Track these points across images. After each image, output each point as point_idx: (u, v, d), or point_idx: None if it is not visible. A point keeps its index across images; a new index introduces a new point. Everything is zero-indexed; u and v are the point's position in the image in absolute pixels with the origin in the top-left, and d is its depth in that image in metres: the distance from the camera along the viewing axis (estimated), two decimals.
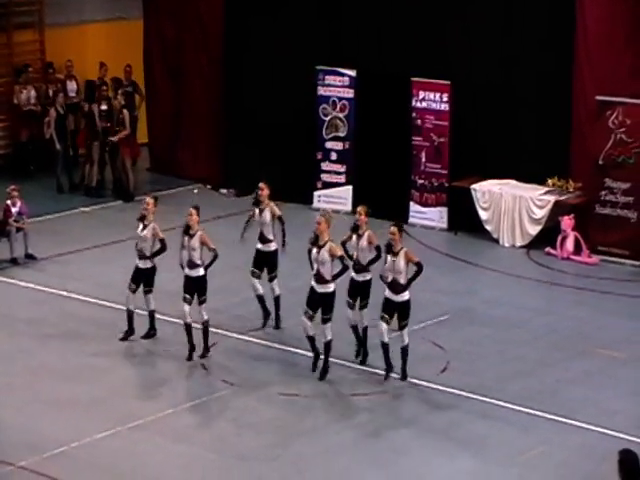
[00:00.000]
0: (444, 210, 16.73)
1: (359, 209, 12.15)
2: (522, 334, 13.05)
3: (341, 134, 17.53)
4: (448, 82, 16.48)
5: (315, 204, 17.58)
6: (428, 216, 16.85)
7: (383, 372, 11.81)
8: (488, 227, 16.30)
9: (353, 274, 11.97)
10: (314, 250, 11.56)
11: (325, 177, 17.68)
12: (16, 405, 11.23)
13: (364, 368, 12.06)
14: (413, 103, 16.76)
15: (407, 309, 11.53)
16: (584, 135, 15.65)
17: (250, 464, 10.19)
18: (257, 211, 12.75)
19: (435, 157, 16.74)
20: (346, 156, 17.54)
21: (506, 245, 16.12)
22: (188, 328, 12.11)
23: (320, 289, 11.56)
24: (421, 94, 16.70)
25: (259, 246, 12.84)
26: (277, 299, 12.86)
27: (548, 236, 15.76)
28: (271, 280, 12.81)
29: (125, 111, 17.82)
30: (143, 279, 12.49)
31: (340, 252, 11.59)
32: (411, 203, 16.96)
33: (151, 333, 12.65)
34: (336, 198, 17.56)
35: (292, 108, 17.66)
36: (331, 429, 10.85)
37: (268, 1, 17.97)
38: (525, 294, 14.46)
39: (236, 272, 14.17)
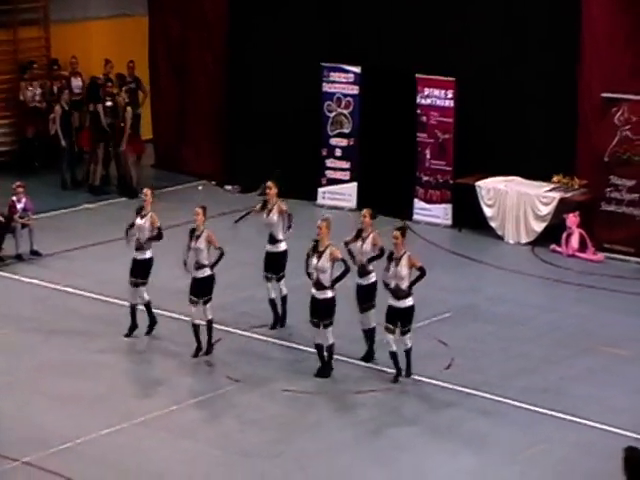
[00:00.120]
0: (449, 207, 16.71)
1: (364, 212, 12.06)
2: (526, 331, 13.04)
3: (346, 131, 17.52)
4: (453, 79, 16.46)
5: (320, 201, 17.58)
6: (433, 213, 16.84)
7: (388, 370, 11.79)
8: (493, 224, 16.28)
9: (358, 279, 11.94)
10: (314, 257, 11.53)
11: (330, 174, 17.67)
12: (21, 401, 11.25)
13: (368, 365, 12.06)
14: (418, 100, 16.75)
15: (410, 315, 11.48)
16: (589, 132, 15.63)
17: (254, 460, 10.21)
18: (264, 214, 12.71)
19: (440, 154, 16.73)
20: (351, 153, 17.53)
21: (511, 242, 16.11)
22: (196, 329, 12.11)
23: (320, 295, 11.53)
24: (426, 90, 16.69)
25: (268, 247, 12.80)
26: (284, 299, 12.83)
27: (553, 233, 15.74)
28: (279, 280, 12.78)
29: (128, 108, 17.83)
30: (140, 271, 12.45)
31: (341, 255, 11.56)
32: (415, 200, 16.95)
33: (152, 325, 12.62)
34: (341, 195, 17.56)
35: (297, 105, 17.65)
36: (334, 426, 10.86)
37: None
38: (530, 291, 14.44)
39: (241, 269, 14.19)
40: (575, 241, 15.57)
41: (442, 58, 16.53)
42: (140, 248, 12.51)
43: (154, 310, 12.92)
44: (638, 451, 7.12)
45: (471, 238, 16.24)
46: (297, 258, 12.60)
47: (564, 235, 15.63)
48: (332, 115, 17.56)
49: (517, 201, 16.06)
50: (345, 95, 17.43)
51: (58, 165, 18.26)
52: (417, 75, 16.67)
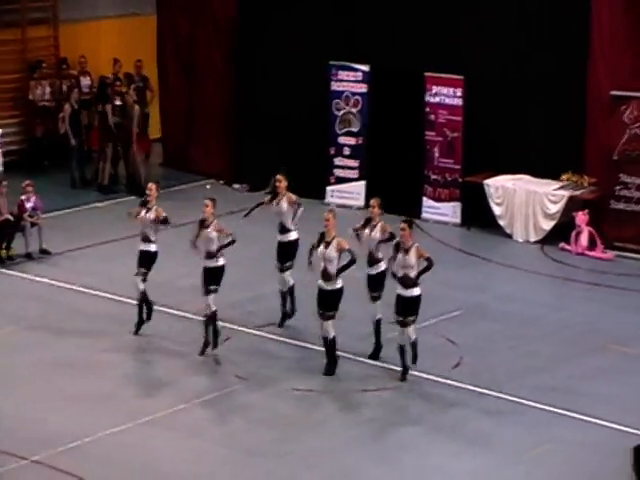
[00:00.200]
0: (457, 205, 16.69)
1: (372, 202, 12.19)
2: (535, 330, 13.01)
3: (354, 129, 17.51)
4: (461, 77, 16.43)
5: (328, 199, 17.57)
6: (441, 211, 16.81)
7: (395, 368, 11.79)
8: (501, 222, 16.25)
9: (367, 269, 11.96)
10: (321, 247, 11.56)
11: (338, 172, 17.66)
12: (29, 399, 11.28)
13: (375, 363, 12.05)
14: (426, 98, 16.72)
15: (416, 304, 11.48)
16: (598, 130, 15.58)
17: (260, 459, 10.22)
18: (274, 203, 12.72)
19: (448, 152, 16.70)
20: (359, 151, 17.52)
21: (520, 240, 16.07)
22: (207, 323, 12.09)
23: (327, 287, 11.54)
24: (434, 89, 16.66)
25: (279, 237, 12.81)
26: (291, 289, 12.82)
27: (562, 231, 15.70)
28: (286, 270, 12.77)
29: (136, 107, 17.85)
30: (144, 262, 12.45)
31: (348, 245, 11.58)
32: (424, 198, 16.93)
33: (148, 313, 12.59)
34: (349, 193, 17.54)
35: (305, 103, 17.65)
36: (341, 425, 10.86)
37: None
38: (539, 290, 14.41)
39: (249, 267, 14.20)
40: (584, 239, 15.52)
41: (451, 57, 16.49)
42: (146, 240, 12.50)
43: (163, 308, 12.91)
44: None
45: (480, 236, 16.21)
46: (305, 254, 12.55)
47: (573, 233, 15.58)
48: (340, 114, 17.55)
49: (526, 199, 16.03)
50: (353, 94, 17.41)
51: (67, 164, 18.29)
52: (426, 73, 16.64)
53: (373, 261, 11.96)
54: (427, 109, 16.75)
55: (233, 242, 12.00)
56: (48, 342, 12.59)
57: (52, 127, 18.61)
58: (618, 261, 15.24)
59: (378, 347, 12.11)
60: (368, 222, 12.05)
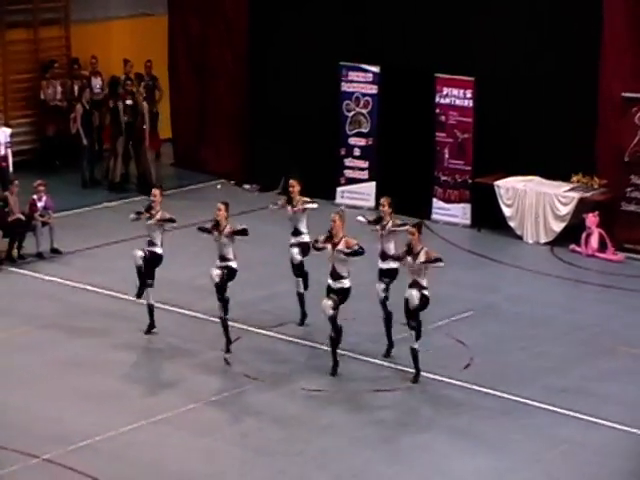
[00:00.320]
0: (467, 207, 16.69)
1: (382, 200, 12.25)
2: (545, 331, 13.00)
3: (364, 130, 17.52)
4: (472, 78, 16.44)
5: (338, 200, 17.58)
6: (451, 212, 16.82)
7: (407, 370, 11.79)
8: (512, 224, 16.24)
9: (379, 263, 11.99)
10: (329, 248, 11.59)
11: (348, 173, 17.68)
12: (41, 398, 11.32)
13: (386, 364, 12.07)
14: (437, 99, 16.73)
15: (423, 305, 11.44)
16: (609, 132, 15.57)
17: (270, 459, 10.23)
18: (289, 209, 12.74)
19: (458, 153, 16.71)
20: (369, 152, 17.54)
21: (530, 242, 16.06)
22: (225, 324, 12.13)
23: (336, 285, 11.57)
24: (445, 90, 16.67)
25: (292, 241, 12.84)
26: (302, 294, 12.86)
27: (573, 233, 15.69)
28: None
29: (145, 104, 17.90)
30: (151, 263, 12.50)
31: (355, 243, 11.58)
32: (434, 199, 16.94)
33: (150, 328, 12.65)
34: (359, 194, 17.56)
35: (315, 104, 17.67)
36: (353, 425, 10.87)
37: None
38: (549, 291, 14.40)
39: (260, 267, 14.22)
40: (595, 241, 15.51)
41: (461, 58, 16.50)
42: (151, 244, 12.55)
43: (174, 308, 12.94)
44: None
45: (490, 238, 16.21)
46: (316, 254, 12.57)
47: (584, 235, 15.57)
48: (351, 114, 17.56)
49: (536, 201, 16.02)
50: (364, 94, 17.43)
51: (78, 164, 18.35)
52: (436, 75, 16.66)
53: (385, 257, 11.98)
54: (437, 110, 16.76)
55: (246, 232, 11.98)
56: (59, 341, 12.63)
57: (63, 127, 18.67)
58: (628, 263, 15.22)
59: (389, 344, 12.10)
60: (379, 220, 12.10)
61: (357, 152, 17.61)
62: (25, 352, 12.34)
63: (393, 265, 11.97)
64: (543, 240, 16.02)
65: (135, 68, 18.77)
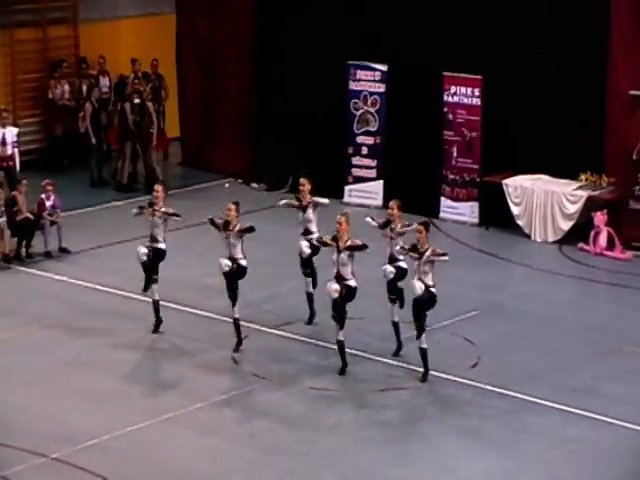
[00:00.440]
0: (475, 205, 16.66)
1: (391, 203, 12.17)
2: (554, 330, 12.97)
3: (372, 129, 17.51)
4: (480, 76, 16.41)
5: (346, 199, 17.57)
6: (459, 211, 16.79)
7: (415, 368, 11.78)
8: (520, 222, 16.21)
9: (387, 266, 11.98)
10: (334, 252, 11.57)
11: (356, 172, 17.67)
12: (49, 397, 11.35)
13: (394, 363, 12.06)
14: (444, 98, 16.70)
15: (430, 304, 11.41)
16: (618, 130, 15.52)
17: (278, 458, 10.23)
18: (300, 211, 12.72)
19: (466, 152, 16.68)
20: (377, 151, 17.52)
21: (538, 240, 16.03)
22: (237, 323, 12.13)
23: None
24: (452, 88, 16.64)
25: (302, 241, 12.79)
26: (311, 294, 12.84)
27: (581, 231, 15.65)
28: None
29: (149, 104, 17.91)
30: (155, 259, 12.50)
31: (359, 241, 11.54)
32: (442, 198, 16.91)
33: (157, 326, 12.65)
34: (367, 193, 17.54)
35: (323, 103, 17.66)
36: (360, 424, 10.86)
37: None
38: (557, 290, 14.37)
39: (267, 266, 14.21)
40: (603, 239, 15.47)
41: (469, 56, 16.47)
42: (154, 240, 12.55)
43: (180, 307, 12.94)
44: None
45: (498, 236, 16.18)
46: (325, 255, 12.60)
47: (592, 233, 15.53)
48: (359, 113, 17.55)
49: (544, 199, 15.99)
50: (372, 93, 17.42)
51: (87, 163, 18.38)
52: (444, 73, 16.63)
53: (393, 261, 11.95)
54: (445, 109, 16.73)
55: (252, 229, 12.00)
56: (67, 340, 12.65)
57: (72, 126, 18.70)
58: (637, 261, 15.17)
59: (399, 344, 12.10)
60: (387, 224, 12.04)
61: (365, 151, 17.60)
62: (32, 351, 12.37)
63: (402, 265, 11.93)
64: (551, 239, 15.98)
65: (143, 67, 18.79)
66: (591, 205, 15.69)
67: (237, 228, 12.03)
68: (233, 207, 12.12)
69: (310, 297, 12.86)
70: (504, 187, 16.27)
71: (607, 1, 15.50)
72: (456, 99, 16.65)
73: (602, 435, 10.63)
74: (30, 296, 13.95)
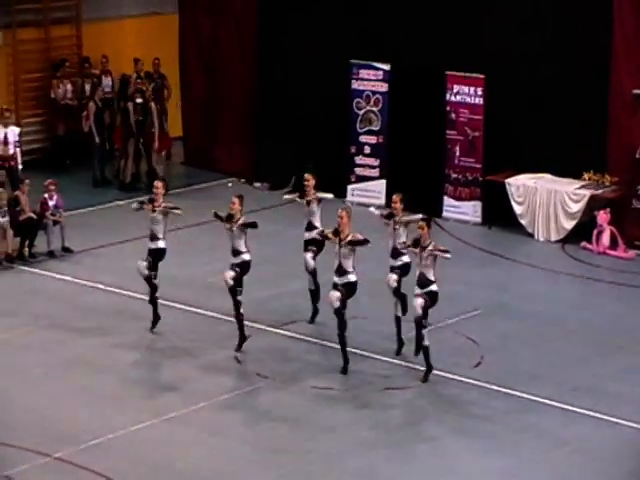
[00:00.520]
0: (478, 204, 16.66)
1: (394, 197, 12.24)
2: (557, 329, 12.97)
3: (375, 128, 17.51)
4: (482, 76, 16.40)
5: (349, 198, 17.57)
6: (462, 210, 16.79)
7: (418, 367, 11.78)
8: (523, 221, 16.21)
9: (391, 260, 11.99)
10: (336, 245, 11.61)
11: (359, 171, 17.67)
12: (52, 396, 11.35)
13: (396, 362, 12.06)
14: (447, 97, 16.70)
15: (432, 300, 11.38)
16: (621, 129, 15.52)
17: (283, 457, 10.24)
18: (304, 204, 12.73)
19: (469, 151, 16.68)
20: (380, 150, 17.52)
21: (541, 239, 16.03)
22: (240, 318, 12.12)
23: (342, 280, 11.56)
24: (455, 88, 16.64)
25: (306, 235, 12.81)
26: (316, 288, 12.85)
27: (584, 230, 15.65)
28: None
29: (152, 104, 17.92)
30: (155, 258, 12.52)
31: (360, 236, 11.56)
32: (445, 197, 16.91)
33: (154, 323, 12.65)
34: (370, 192, 17.55)
35: (326, 102, 17.66)
36: (363, 423, 10.86)
37: None
38: (560, 289, 14.36)
39: (269, 265, 14.22)
40: (606, 238, 15.46)
41: (472, 55, 16.46)
42: (155, 239, 12.54)
43: (184, 306, 12.93)
44: None
45: (501, 235, 16.17)
46: (327, 251, 12.60)
47: (595, 232, 15.52)
48: (361, 112, 17.55)
49: (547, 198, 15.98)
50: (374, 92, 17.42)
51: (89, 162, 18.39)
52: (447, 72, 16.62)
53: (396, 254, 11.95)
54: (448, 108, 16.73)
55: (255, 225, 12.01)
56: (70, 340, 12.66)
57: (74, 126, 18.71)
58: (639, 260, 15.20)
59: (401, 343, 12.09)
60: (390, 216, 12.09)
61: (368, 150, 17.60)
62: (35, 351, 12.38)
63: (405, 260, 11.93)
64: (554, 238, 15.97)
65: (146, 67, 18.79)
66: (594, 204, 15.69)
67: (240, 221, 12.03)
68: (237, 200, 12.13)
69: (312, 294, 12.83)
70: (507, 186, 16.26)
71: (610, 1, 15.49)
72: (459, 98, 16.64)
73: (605, 434, 10.63)
74: (33, 296, 13.96)
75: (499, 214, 16.27)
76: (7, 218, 14.96)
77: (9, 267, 14.84)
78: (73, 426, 10.72)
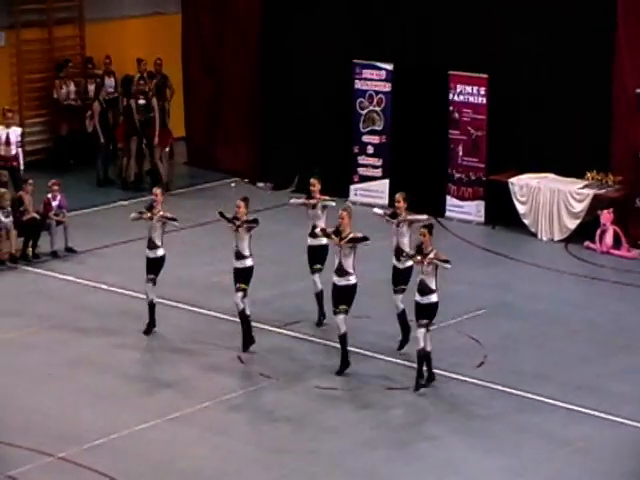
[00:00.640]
0: (481, 204, 16.65)
1: (397, 196, 12.21)
2: (561, 329, 12.96)
3: (378, 128, 17.51)
4: (485, 75, 16.40)
5: (352, 198, 17.58)
6: (465, 210, 16.78)
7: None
8: (526, 221, 16.20)
9: (394, 261, 11.97)
10: (336, 242, 11.61)
11: (362, 171, 17.67)
12: (56, 396, 11.37)
13: (400, 362, 12.06)
14: (450, 96, 16.69)
15: (432, 311, 11.32)
16: (624, 128, 15.50)
17: (285, 457, 10.25)
18: (310, 208, 12.71)
19: (472, 151, 16.67)
20: (383, 150, 17.52)
21: (544, 239, 16.02)
22: (244, 318, 12.12)
23: (341, 282, 11.55)
24: (458, 87, 16.63)
25: (310, 241, 12.78)
26: (320, 294, 12.78)
27: (587, 230, 15.63)
28: (317, 272, 12.73)
29: (154, 100, 17.92)
30: (154, 267, 12.56)
31: (360, 234, 11.55)
32: (448, 197, 16.90)
33: (150, 327, 12.66)
34: (373, 192, 17.54)
35: (329, 102, 17.67)
36: (366, 423, 10.86)
37: None
38: (564, 288, 14.35)
39: (273, 265, 14.22)
40: (609, 238, 15.45)
41: (474, 55, 16.45)
42: (153, 247, 12.57)
43: (188, 306, 12.95)
44: None
45: (504, 235, 16.16)
46: (330, 253, 12.61)
47: (598, 232, 15.51)
48: (364, 112, 17.55)
49: (550, 198, 15.97)
50: (377, 92, 17.41)
51: (93, 162, 18.39)
52: (450, 72, 16.62)
53: (399, 254, 11.94)
54: (451, 108, 16.72)
55: (257, 222, 12.03)
56: (74, 340, 12.67)
57: (77, 126, 18.72)
58: None
59: (405, 339, 12.08)
60: (394, 216, 12.07)
61: (371, 150, 17.60)
62: (38, 351, 12.39)
63: (408, 264, 11.90)
64: (557, 237, 15.96)
65: (149, 67, 18.80)
66: (597, 203, 15.67)
67: (243, 219, 12.02)
68: (242, 204, 12.14)
69: (318, 297, 12.80)
70: (510, 186, 16.26)
71: (613, 0, 15.47)
72: (462, 98, 16.64)
73: (608, 434, 10.62)
74: (36, 296, 13.97)
75: (502, 214, 16.26)
76: (11, 218, 14.98)
77: (13, 267, 14.86)
78: (77, 426, 10.73)
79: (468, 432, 10.69)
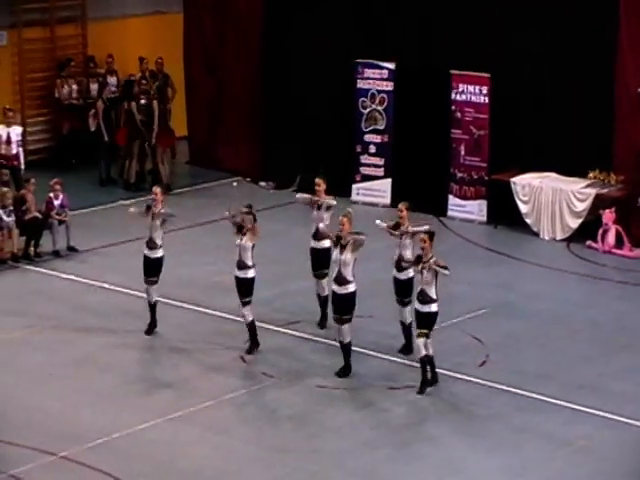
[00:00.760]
0: (483, 203, 16.65)
1: (400, 206, 12.04)
2: (563, 328, 12.95)
3: (380, 127, 17.50)
4: (488, 75, 16.39)
5: (354, 197, 17.57)
6: (467, 209, 16.78)
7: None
8: (528, 220, 16.19)
9: (395, 272, 11.92)
10: (336, 251, 11.51)
11: (364, 170, 17.66)
12: (58, 396, 11.37)
13: (401, 361, 12.05)
14: (452, 96, 16.68)
15: (431, 320, 11.22)
16: (626, 127, 15.49)
17: (287, 456, 10.24)
18: (315, 209, 12.63)
19: (474, 150, 16.66)
20: (385, 149, 17.51)
21: (546, 238, 16.01)
22: (251, 326, 12.11)
23: (341, 291, 11.48)
24: (461, 87, 16.62)
25: (313, 244, 12.73)
26: (325, 299, 12.74)
27: (589, 229, 15.63)
28: (322, 277, 12.68)
29: (155, 102, 17.92)
30: (153, 269, 12.54)
31: (358, 236, 11.46)
32: (450, 196, 16.90)
33: (152, 327, 12.65)
34: (375, 191, 17.54)
35: (331, 101, 17.66)
36: (367, 422, 10.86)
37: None
38: (566, 288, 14.35)
39: (274, 265, 14.22)
40: (611, 237, 15.44)
41: (477, 54, 16.45)
42: (153, 248, 12.55)
43: (190, 306, 12.95)
44: None
45: (506, 234, 16.16)
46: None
47: (600, 231, 15.50)
48: (366, 111, 17.54)
49: (552, 197, 15.96)
50: (379, 91, 17.41)
51: (95, 162, 18.39)
52: (452, 71, 16.61)
53: (401, 266, 11.84)
54: (453, 107, 16.71)
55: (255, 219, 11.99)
56: (75, 339, 12.68)
57: (79, 125, 18.73)
58: None
59: (409, 346, 12.05)
60: (397, 226, 11.97)
61: (373, 149, 17.59)
62: (40, 350, 12.40)
63: (411, 273, 11.75)
64: (559, 236, 15.96)
65: (150, 66, 18.80)
66: (599, 203, 15.66)
67: (250, 234, 11.92)
68: (245, 210, 11.95)
69: (320, 299, 12.75)
70: (512, 185, 16.25)
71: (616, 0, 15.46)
72: (464, 97, 16.63)
73: (610, 433, 10.61)
74: (38, 295, 13.98)
75: (504, 213, 16.25)
76: (13, 217, 14.99)
77: (15, 266, 14.87)
78: (79, 425, 10.74)
79: (469, 432, 10.68)
